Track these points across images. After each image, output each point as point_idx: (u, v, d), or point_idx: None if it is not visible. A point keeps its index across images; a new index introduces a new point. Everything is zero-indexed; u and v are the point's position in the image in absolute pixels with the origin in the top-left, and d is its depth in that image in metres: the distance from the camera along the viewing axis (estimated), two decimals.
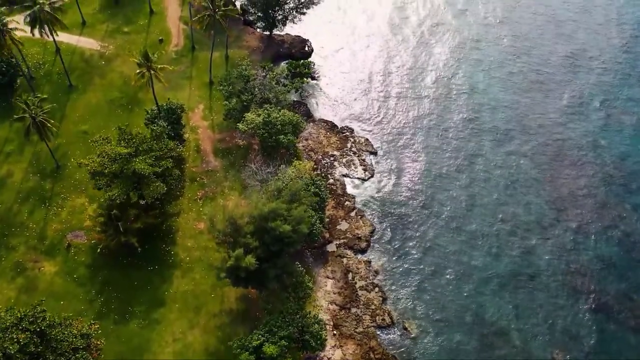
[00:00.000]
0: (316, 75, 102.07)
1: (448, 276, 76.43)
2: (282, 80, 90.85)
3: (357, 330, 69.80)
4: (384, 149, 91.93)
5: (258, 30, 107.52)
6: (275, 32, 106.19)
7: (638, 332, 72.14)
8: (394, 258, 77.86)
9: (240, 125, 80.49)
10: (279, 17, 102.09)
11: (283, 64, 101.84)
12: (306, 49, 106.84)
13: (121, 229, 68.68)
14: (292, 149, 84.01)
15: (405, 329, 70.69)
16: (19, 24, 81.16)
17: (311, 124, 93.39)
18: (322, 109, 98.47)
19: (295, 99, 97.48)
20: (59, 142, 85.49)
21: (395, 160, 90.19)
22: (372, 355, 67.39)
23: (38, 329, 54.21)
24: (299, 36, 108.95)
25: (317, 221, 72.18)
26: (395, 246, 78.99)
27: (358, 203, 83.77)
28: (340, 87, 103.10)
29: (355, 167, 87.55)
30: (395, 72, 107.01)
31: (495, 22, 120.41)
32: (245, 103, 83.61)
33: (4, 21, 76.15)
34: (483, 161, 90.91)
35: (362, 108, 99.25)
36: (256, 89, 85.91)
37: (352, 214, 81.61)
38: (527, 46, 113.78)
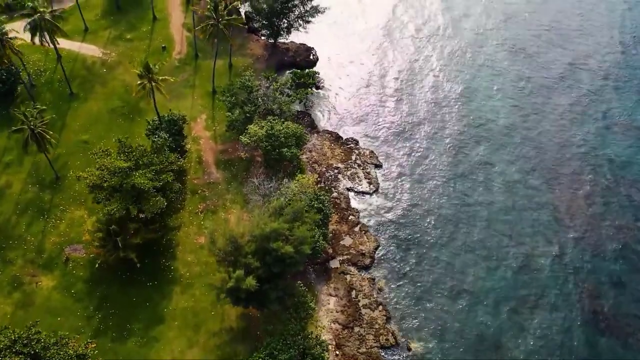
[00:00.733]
0: (321, 85, 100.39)
1: (454, 295, 74.52)
2: (286, 90, 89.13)
3: (360, 350, 68.02)
4: (389, 161, 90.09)
5: (262, 38, 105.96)
6: (280, 40, 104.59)
7: None
8: (398, 275, 76.02)
9: (242, 138, 78.89)
10: (284, 26, 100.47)
11: (287, 74, 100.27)
12: (311, 57, 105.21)
13: (120, 245, 67.19)
14: (296, 161, 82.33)
15: (410, 349, 68.86)
16: (18, 33, 79.94)
17: (315, 135, 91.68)
18: (327, 120, 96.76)
19: (299, 109, 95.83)
20: (58, 152, 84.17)
21: (401, 173, 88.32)
22: None
23: (32, 352, 52.75)
24: (304, 44, 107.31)
25: (320, 237, 70.52)
26: (400, 263, 77.17)
27: (362, 217, 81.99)
28: (346, 96, 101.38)
29: (360, 180, 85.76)
30: (402, 81, 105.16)
31: (499, 33, 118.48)
32: (248, 114, 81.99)
33: (3, 30, 74.79)
34: (490, 175, 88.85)
35: (367, 118, 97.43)
36: (259, 100, 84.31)
37: (356, 228, 79.86)
38: (534, 58, 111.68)
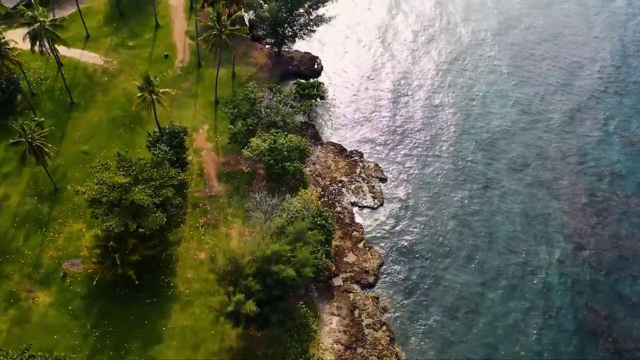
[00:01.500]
0: (325, 94, 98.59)
1: (459, 314, 72.65)
2: (290, 101, 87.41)
3: None
4: (394, 175, 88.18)
5: (266, 46, 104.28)
6: (284, 48, 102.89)
7: None
8: (402, 294, 74.17)
9: (245, 152, 77.27)
10: (288, 34, 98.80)
11: (291, 84, 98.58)
12: (315, 66, 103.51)
13: (118, 262, 65.62)
14: (299, 174, 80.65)
15: None
16: (17, 44, 78.57)
17: (319, 147, 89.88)
18: (331, 131, 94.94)
19: (303, 120, 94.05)
20: (58, 162, 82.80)
21: (406, 187, 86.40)
22: None
23: None
24: (309, 53, 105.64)
25: (323, 255, 68.80)
26: (405, 281, 75.32)
27: (366, 233, 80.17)
28: (350, 106, 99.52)
29: (364, 195, 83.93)
30: (409, 92, 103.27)
31: (502, 40, 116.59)
32: (250, 127, 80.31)
33: (2, 41, 73.40)
34: (498, 190, 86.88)
35: (372, 130, 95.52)
36: (262, 112, 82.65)
37: (360, 245, 78.07)
38: (547, 68, 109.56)
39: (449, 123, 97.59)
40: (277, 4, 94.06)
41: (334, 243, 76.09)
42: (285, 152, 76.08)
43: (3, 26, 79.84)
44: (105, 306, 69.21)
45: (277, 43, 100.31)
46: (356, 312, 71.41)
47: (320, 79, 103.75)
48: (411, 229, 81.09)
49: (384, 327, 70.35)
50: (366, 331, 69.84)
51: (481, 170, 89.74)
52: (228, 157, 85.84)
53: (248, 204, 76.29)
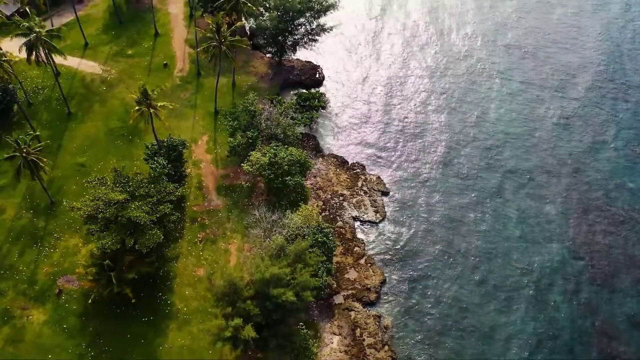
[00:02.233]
0: (327, 105, 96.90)
1: (464, 334, 70.96)
2: (291, 113, 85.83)
3: None
4: (397, 188, 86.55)
5: (267, 55, 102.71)
6: (285, 57, 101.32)
7: None
8: (405, 312, 72.53)
9: (244, 166, 75.72)
10: (289, 43, 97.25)
11: (292, 95, 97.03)
12: (317, 76, 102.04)
13: (114, 281, 64.07)
14: (300, 188, 78.95)
15: None
16: (12, 54, 77.16)
17: (320, 159, 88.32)
18: (332, 142, 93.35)
19: (304, 131, 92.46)
20: (54, 174, 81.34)
21: (409, 201, 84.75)
22: None
23: None
24: (310, 62, 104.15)
25: (324, 273, 67.22)
26: (407, 299, 73.68)
27: (368, 249, 78.57)
28: (352, 117, 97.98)
29: (366, 209, 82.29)
30: (411, 103, 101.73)
31: (515, 50, 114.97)
32: (250, 140, 78.73)
33: None
34: (502, 204, 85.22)
35: (374, 141, 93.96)
36: (263, 124, 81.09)
37: (362, 261, 76.46)
38: (552, 82, 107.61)
39: (453, 135, 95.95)
40: (278, 13, 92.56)
41: (335, 259, 74.48)
42: (286, 167, 74.51)
43: None
44: (101, 325, 67.59)
45: (278, 52, 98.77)
46: (357, 331, 69.78)
47: (322, 88, 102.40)
48: (414, 244, 79.46)
49: (386, 347, 68.70)
50: (368, 351, 68.19)
51: (486, 183, 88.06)
52: (227, 170, 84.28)
53: (247, 221, 74.59)
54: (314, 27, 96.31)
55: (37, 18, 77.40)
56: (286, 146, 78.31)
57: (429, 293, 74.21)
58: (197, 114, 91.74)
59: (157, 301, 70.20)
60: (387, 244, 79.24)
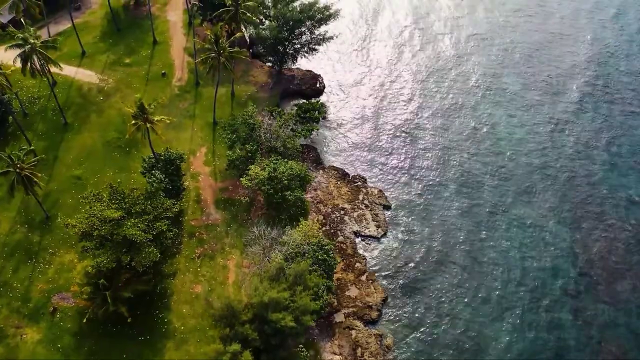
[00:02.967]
0: (327, 115, 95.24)
1: (467, 353, 69.41)
2: (291, 124, 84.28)
3: None
4: (399, 202, 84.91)
5: (267, 64, 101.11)
6: (285, 66, 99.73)
7: None
8: (407, 330, 70.97)
9: (243, 181, 74.15)
10: (290, 52, 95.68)
11: (292, 106, 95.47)
12: (318, 85, 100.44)
13: (109, 300, 62.58)
14: (300, 202, 77.36)
15: None
16: (7, 64, 75.66)
17: (321, 171, 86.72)
18: (333, 154, 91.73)
19: (304, 142, 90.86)
20: (50, 188, 79.82)
21: (411, 216, 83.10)
22: None
23: None
24: (310, 71, 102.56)
25: (325, 292, 65.61)
26: (409, 317, 72.13)
27: (369, 265, 77.01)
28: (353, 128, 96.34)
29: (367, 223, 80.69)
30: (414, 113, 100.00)
31: (515, 55, 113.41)
32: (249, 153, 77.18)
33: None
34: (507, 219, 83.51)
35: (375, 153, 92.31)
36: (262, 137, 79.53)
37: (363, 277, 74.90)
38: (558, 94, 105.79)
39: (456, 146, 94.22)
40: (278, 22, 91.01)
41: (335, 276, 72.90)
42: (286, 181, 72.97)
43: None
44: (96, 344, 66.12)
45: (278, 61, 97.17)
46: (359, 351, 68.23)
47: (323, 97, 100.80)
48: (416, 260, 77.86)
49: None
50: None
51: (489, 196, 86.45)
52: (226, 182, 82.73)
53: (246, 238, 72.98)
54: (314, 36, 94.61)
55: (31, 29, 75.88)
56: (286, 160, 76.76)
57: (431, 311, 72.67)
58: (196, 125, 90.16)
59: (154, 319, 68.70)
60: (389, 260, 77.66)
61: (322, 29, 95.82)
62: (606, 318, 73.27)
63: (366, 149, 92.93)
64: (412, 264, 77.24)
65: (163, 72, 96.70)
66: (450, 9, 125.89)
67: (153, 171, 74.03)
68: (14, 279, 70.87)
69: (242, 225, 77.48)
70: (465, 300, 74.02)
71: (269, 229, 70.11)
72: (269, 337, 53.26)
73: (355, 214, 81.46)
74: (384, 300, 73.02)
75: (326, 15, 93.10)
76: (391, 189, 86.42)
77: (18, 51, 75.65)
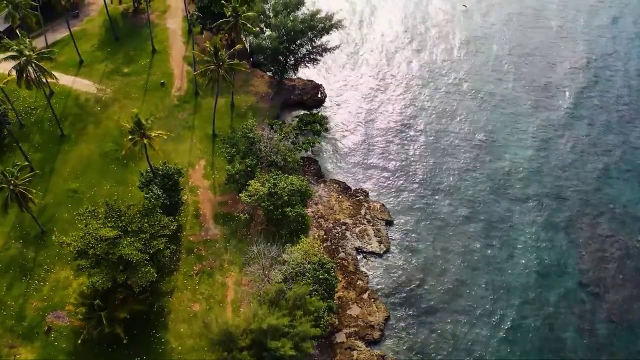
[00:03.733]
0: (329, 126, 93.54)
1: None
2: (291, 137, 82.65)
3: None
4: (401, 217, 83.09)
5: (268, 73, 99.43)
6: (286, 76, 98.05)
7: None
8: (410, 351, 69.20)
9: (243, 197, 72.50)
10: (290, 63, 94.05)
11: (293, 117, 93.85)
12: (319, 95, 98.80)
13: (104, 321, 60.97)
14: (300, 217, 75.69)
15: None
16: (3, 74, 74.22)
17: (322, 185, 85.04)
18: (335, 167, 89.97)
19: (305, 154, 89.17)
20: (46, 201, 78.29)
21: (414, 231, 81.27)
22: None
23: None
24: (312, 81, 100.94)
25: (326, 313, 63.91)
26: (413, 337, 70.36)
27: (371, 282, 75.31)
28: (355, 140, 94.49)
29: (370, 239, 79.00)
30: (417, 125, 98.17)
31: (528, 69, 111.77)
32: (249, 168, 75.55)
33: None
34: (511, 233, 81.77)
35: (377, 166, 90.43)
36: (262, 151, 77.91)
37: (365, 295, 73.22)
38: (565, 110, 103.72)
39: (459, 160, 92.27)
40: (279, 32, 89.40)
41: (336, 294, 71.23)
42: (286, 197, 71.31)
43: None
44: None
45: (278, 72, 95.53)
46: None
47: (324, 107, 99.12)
48: (419, 277, 76.11)
49: None
50: None
51: (494, 211, 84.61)
52: (226, 196, 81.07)
53: (245, 257, 71.31)
54: (316, 46, 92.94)
55: (27, 40, 74.27)
56: (286, 175, 75.10)
57: (435, 331, 70.94)
58: (195, 137, 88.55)
59: (151, 339, 67.09)
60: (392, 277, 75.98)
61: (324, 38, 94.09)
62: (613, 339, 71.36)
63: (368, 161, 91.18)
64: (414, 282, 75.52)
65: (162, 81, 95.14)
66: (451, 15, 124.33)
67: (150, 186, 72.42)
68: (8, 296, 69.31)
69: (242, 241, 75.87)
70: (470, 319, 72.28)
71: (268, 247, 68.41)
72: None
73: (357, 230, 79.79)
74: (386, 319, 71.32)
75: (328, 26, 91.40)
76: (393, 203, 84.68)
77: (12, 66, 74.23)
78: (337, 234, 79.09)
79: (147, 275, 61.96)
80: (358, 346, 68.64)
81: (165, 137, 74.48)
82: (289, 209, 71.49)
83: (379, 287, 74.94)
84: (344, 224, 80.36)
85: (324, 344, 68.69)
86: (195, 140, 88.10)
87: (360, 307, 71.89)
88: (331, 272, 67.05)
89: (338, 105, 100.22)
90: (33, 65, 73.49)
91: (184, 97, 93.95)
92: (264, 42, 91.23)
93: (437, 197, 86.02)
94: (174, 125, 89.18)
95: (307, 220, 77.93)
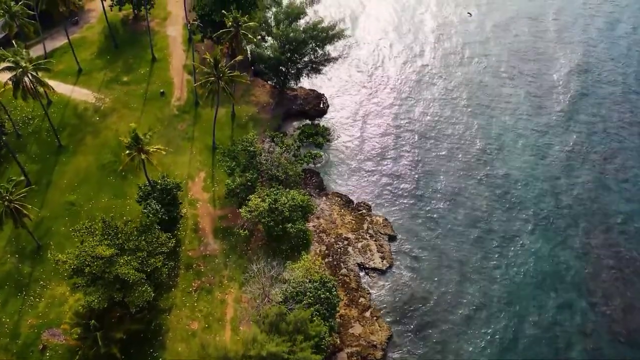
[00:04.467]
0: (331, 137, 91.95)
1: None
2: (293, 150, 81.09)
3: None
4: (405, 232, 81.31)
5: (269, 82, 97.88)
6: (288, 85, 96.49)
7: None
8: None
9: (243, 213, 70.99)
10: (292, 72, 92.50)
11: (295, 128, 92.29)
12: (321, 105, 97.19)
13: (100, 342, 59.49)
14: (302, 233, 74.19)
15: None
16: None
17: (324, 198, 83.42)
18: (337, 179, 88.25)
19: (307, 167, 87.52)
20: (42, 214, 76.85)
21: (418, 247, 79.58)
22: None
23: None
24: (314, 90, 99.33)
25: (327, 334, 62.31)
26: (416, 358, 68.69)
27: (374, 300, 73.66)
28: (358, 151, 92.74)
29: (372, 254, 77.38)
30: (420, 136, 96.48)
31: (535, 79, 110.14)
32: (250, 182, 74.02)
33: None
34: (516, 250, 79.99)
35: (381, 179, 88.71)
36: (263, 165, 76.37)
37: (367, 314, 71.59)
38: (570, 120, 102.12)
39: (464, 172, 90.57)
40: (280, 42, 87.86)
41: (338, 312, 69.60)
42: (287, 213, 69.80)
43: None
44: None
45: (280, 82, 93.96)
46: None
47: (326, 118, 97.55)
48: (423, 295, 74.45)
49: None
50: None
51: (500, 225, 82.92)
52: (225, 210, 79.52)
53: (245, 275, 69.78)
54: (318, 55, 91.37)
55: (24, 51, 72.86)
56: (287, 189, 73.58)
57: (440, 351, 69.21)
58: (195, 148, 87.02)
59: (148, 359, 65.61)
60: (395, 295, 74.31)
61: (327, 48, 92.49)
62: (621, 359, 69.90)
63: (371, 173, 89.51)
64: (418, 300, 73.87)
65: (162, 91, 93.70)
66: (460, 24, 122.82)
67: (148, 201, 70.95)
68: (3, 313, 67.84)
69: (242, 256, 74.32)
70: (476, 339, 70.57)
71: (268, 265, 66.86)
72: None
73: (360, 245, 78.17)
74: (389, 338, 69.66)
75: (330, 35, 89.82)
76: (397, 218, 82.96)
77: (8, 78, 72.86)
78: (339, 249, 77.48)
79: (144, 295, 60.57)
80: None
81: (164, 152, 72.90)
82: (290, 225, 70.06)
83: (381, 305, 73.30)
84: (346, 238, 78.73)
85: None
86: (195, 151, 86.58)
87: (362, 326, 70.27)
88: (333, 290, 65.47)
89: (341, 115, 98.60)
90: (30, 76, 71.97)
91: (183, 107, 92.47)
92: (265, 51, 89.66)
93: (443, 212, 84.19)
94: (174, 136, 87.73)
95: (308, 236, 76.63)
